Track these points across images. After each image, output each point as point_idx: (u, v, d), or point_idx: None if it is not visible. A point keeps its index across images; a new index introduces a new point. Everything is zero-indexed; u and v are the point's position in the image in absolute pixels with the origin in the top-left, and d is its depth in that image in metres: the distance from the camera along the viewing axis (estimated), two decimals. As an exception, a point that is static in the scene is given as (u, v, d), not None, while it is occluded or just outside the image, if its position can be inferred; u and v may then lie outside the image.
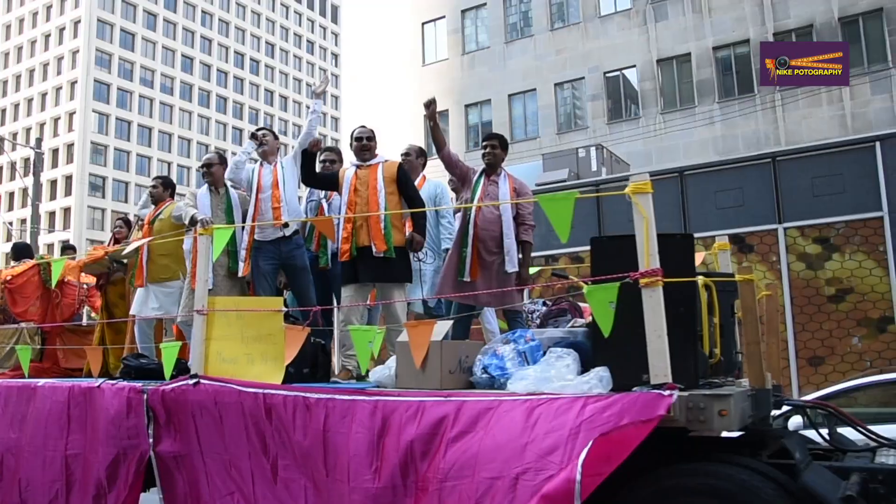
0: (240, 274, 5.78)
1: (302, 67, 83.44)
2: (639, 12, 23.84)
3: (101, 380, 5.15)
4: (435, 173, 6.73)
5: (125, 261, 7.08)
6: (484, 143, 5.74)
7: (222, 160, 6.26)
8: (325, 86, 6.19)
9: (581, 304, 4.80)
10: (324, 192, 6.29)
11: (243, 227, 5.79)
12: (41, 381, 5.62)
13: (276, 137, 6.17)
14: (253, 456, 4.06)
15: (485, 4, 26.88)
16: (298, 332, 4.57)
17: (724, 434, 3.41)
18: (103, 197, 63.93)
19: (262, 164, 5.93)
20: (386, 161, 5.56)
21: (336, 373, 5.36)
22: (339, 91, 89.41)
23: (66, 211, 62.66)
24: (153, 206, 6.82)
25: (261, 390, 4.11)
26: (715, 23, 22.52)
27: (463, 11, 27.47)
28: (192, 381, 4.37)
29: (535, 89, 25.12)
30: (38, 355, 7.19)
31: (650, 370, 3.15)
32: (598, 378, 3.30)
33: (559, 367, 3.53)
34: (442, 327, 4.06)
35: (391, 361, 4.27)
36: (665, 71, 23.38)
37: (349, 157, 5.90)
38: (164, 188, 6.87)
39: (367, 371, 4.53)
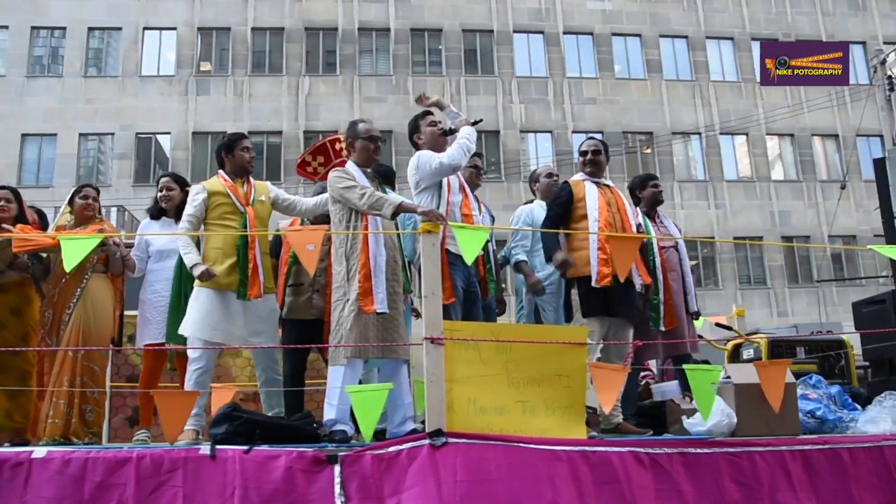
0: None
1: None
2: (181, 81, 23.65)
3: (204, 445, 3.36)
4: None
5: (45, 255, 4.56)
6: (654, 183, 5.45)
7: None
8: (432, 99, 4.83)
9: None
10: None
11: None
12: (40, 451, 3.27)
13: None
14: None
15: (7, 27, 23.82)
16: (616, 372, 3.68)
17: None
18: None
19: None
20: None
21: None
22: None
23: None
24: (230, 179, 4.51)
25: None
26: (253, 109, 23.49)
27: (-22, 29, 23.96)
28: (437, 442, 3.13)
29: (55, 134, 22.75)
30: None
31: None
32: None
33: None
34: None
35: (722, 406, 3.72)
36: (199, 143, 23.32)
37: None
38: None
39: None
